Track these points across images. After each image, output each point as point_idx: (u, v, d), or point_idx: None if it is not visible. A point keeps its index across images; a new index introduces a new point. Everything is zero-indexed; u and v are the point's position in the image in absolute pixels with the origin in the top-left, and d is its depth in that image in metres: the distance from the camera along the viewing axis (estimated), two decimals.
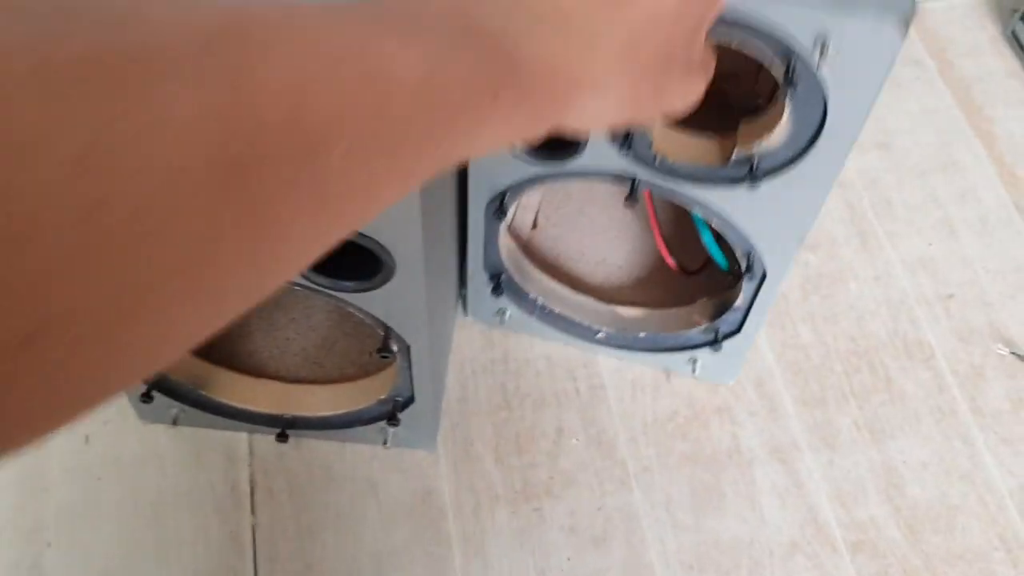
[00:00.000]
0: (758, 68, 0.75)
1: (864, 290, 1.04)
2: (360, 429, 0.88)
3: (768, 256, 0.76)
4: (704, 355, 0.91)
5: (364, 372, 0.91)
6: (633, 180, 0.72)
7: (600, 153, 0.70)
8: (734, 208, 0.72)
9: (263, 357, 0.93)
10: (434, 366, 0.78)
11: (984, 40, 1.25)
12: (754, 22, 0.56)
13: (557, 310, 0.92)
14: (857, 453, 0.93)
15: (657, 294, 0.95)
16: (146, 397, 0.83)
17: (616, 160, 0.70)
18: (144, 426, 0.91)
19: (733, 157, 0.67)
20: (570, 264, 0.97)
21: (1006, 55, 1.24)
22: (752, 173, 0.67)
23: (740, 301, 0.83)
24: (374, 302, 0.70)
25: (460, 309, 0.98)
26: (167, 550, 0.85)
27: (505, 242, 0.87)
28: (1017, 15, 1.22)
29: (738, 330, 0.87)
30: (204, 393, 0.86)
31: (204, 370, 0.87)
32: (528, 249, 0.93)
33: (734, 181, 0.70)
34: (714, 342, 0.89)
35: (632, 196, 0.72)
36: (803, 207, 0.70)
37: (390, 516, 0.88)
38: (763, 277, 0.78)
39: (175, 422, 0.88)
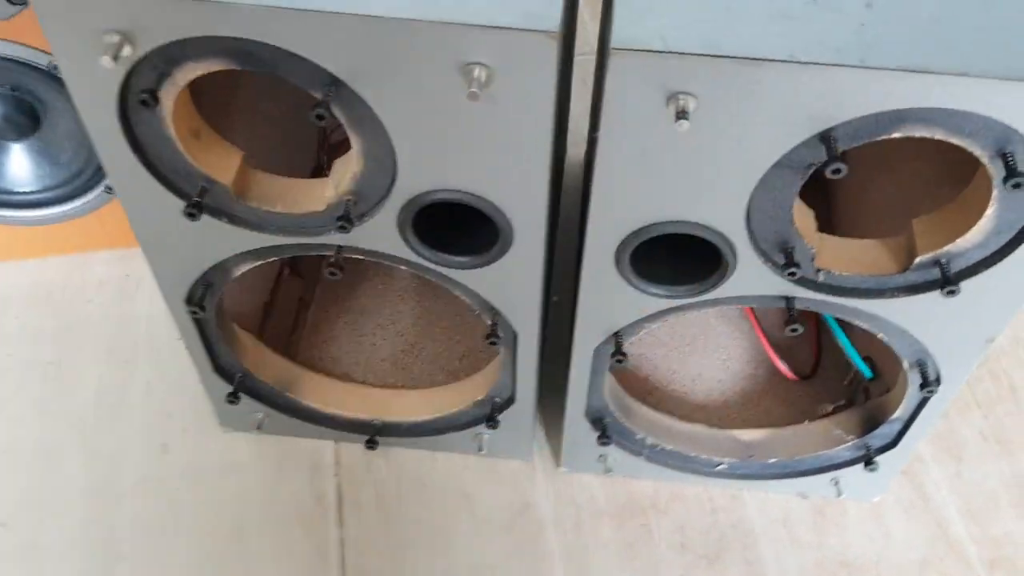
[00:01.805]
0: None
1: None
2: (453, 436, 0.83)
3: (946, 364, 0.66)
4: (850, 474, 0.80)
5: (454, 378, 0.86)
6: (789, 302, 0.63)
7: (751, 275, 0.60)
8: (907, 316, 0.62)
9: (349, 363, 0.88)
10: (538, 361, 0.73)
11: None
12: (966, 110, 0.49)
13: (669, 447, 0.79)
14: (987, 464, 0.86)
15: (772, 408, 0.85)
16: (232, 398, 0.78)
17: (769, 282, 0.60)
18: (225, 434, 0.86)
19: (916, 262, 0.58)
20: (664, 387, 0.86)
21: None
22: (946, 278, 0.58)
23: (901, 411, 0.72)
24: (485, 281, 0.65)
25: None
26: (249, 566, 0.79)
27: (609, 380, 0.74)
28: None
29: (894, 443, 0.76)
30: (290, 396, 0.82)
31: (290, 372, 0.82)
32: (619, 380, 0.79)
33: (914, 289, 0.60)
34: (867, 460, 0.76)
35: (792, 321, 0.61)
36: (999, 308, 0.61)
37: (485, 530, 0.82)
38: (936, 385, 0.68)
39: (259, 427, 0.83)
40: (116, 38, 0.51)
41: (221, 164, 0.61)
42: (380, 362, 0.88)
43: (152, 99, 0.53)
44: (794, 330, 0.61)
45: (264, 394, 0.81)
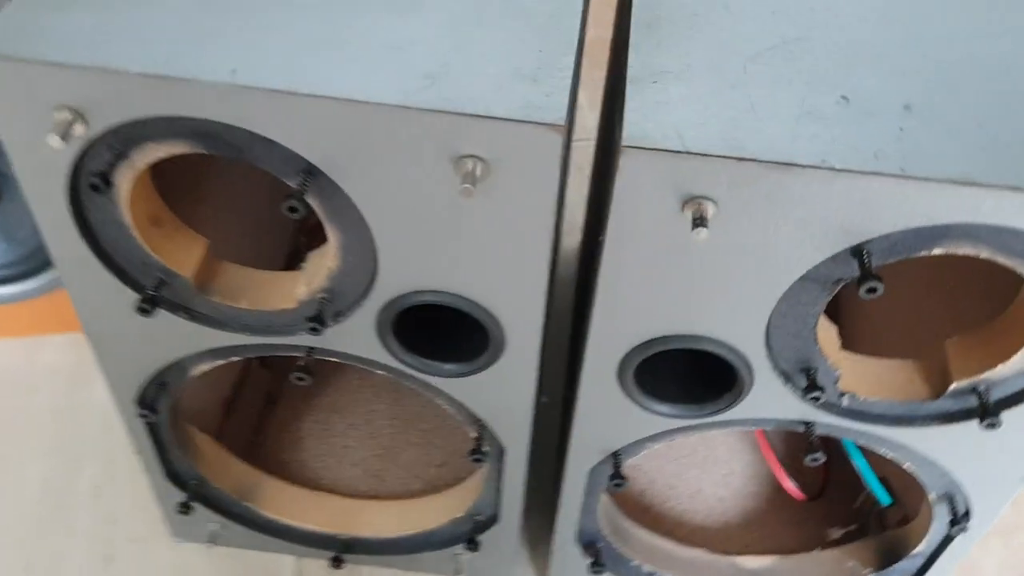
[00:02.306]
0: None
1: None
2: (428, 556, 0.75)
3: (978, 499, 0.60)
4: None
5: (432, 488, 0.79)
6: (809, 427, 0.56)
7: (768, 397, 0.54)
8: (938, 447, 0.57)
9: (316, 467, 0.81)
10: (526, 478, 0.66)
11: None
12: (1019, 227, 0.44)
13: (668, 575, 0.73)
14: None
15: (777, 530, 0.78)
16: (184, 508, 0.71)
17: (787, 405, 0.54)
18: (176, 545, 0.78)
19: (951, 388, 0.53)
20: (660, 505, 0.79)
21: None
22: (984, 408, 0.52)
23: (923, 546, 0.66)
24: (471, 390, 0.59)
25: None
26: None
27: (603, 500, 0.68)
28: None
29: None
30: (249, 506, 0.74)
31: (250, 478, 0.75)
32: (612, 496, 0.72)
33: (948, 418, 0.55)
34: None
35: (812, 450, 0.55)
36: None
37: None
38: (966, 521, 0.62)
39: (214, 540, 0.75)
40: (67, 115, 0.45)
41: (182, 254, 0.55)
42: (351, 467, 0.81)
43: (104, 184, 0.47)
44: (815, 459, 0.55)
45: (220, 503, 0.74)
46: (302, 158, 0.46)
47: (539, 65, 0.46)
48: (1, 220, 0.84)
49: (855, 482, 0.79)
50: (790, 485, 0.78)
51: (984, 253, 0.45)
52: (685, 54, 0.47)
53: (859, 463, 0.69)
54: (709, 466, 0.83)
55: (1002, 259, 0.45)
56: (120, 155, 0.47)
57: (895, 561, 0.68)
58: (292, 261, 0.88)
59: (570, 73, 0.45)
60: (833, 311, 0.51)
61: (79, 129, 0.46)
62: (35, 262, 0.86)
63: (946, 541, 0.64)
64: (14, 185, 0.81)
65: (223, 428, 0.77)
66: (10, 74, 0.44)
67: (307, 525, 0.75)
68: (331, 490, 0.78)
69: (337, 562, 0.74)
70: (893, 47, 0.49)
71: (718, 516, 0.79)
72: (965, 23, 0.51)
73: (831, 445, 0.78)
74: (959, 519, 0.61)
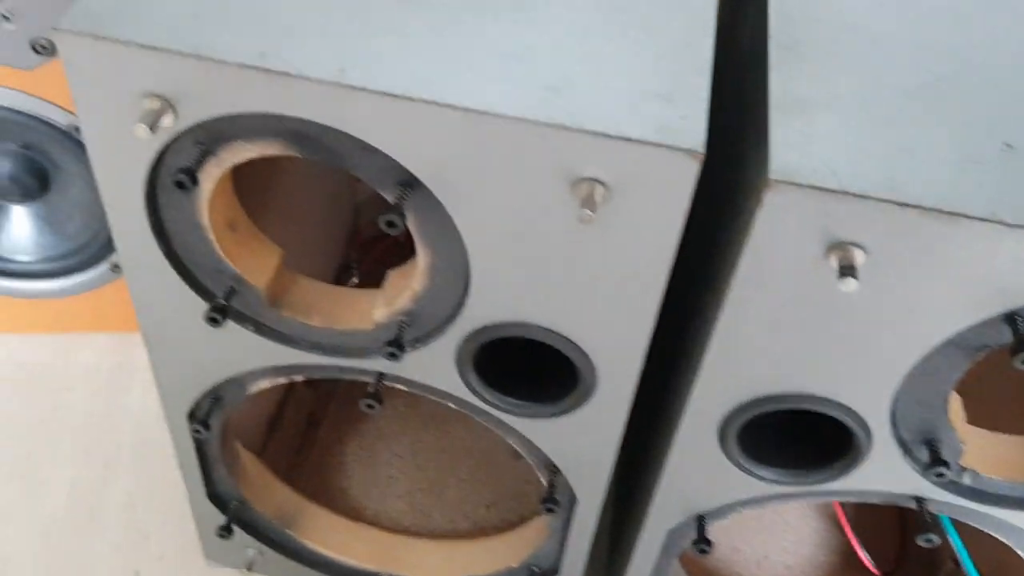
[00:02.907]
0: None
1: None
2: None
3: None
4: None
5: (479, 530, 0.74)
6: (921, 504, 0.51)
7: (882, 468, 0.49)
8: None
9: (359, 496, 0.76)
10: (594, 533, 0.61)
11: None
12: None
13: None
14: None
15: None
16: (224, 531, 0.66)
17: (901, 478, 0.50)
18: (209, 567, 0.73)
19: None
20: (724, 568, 0.75)
21: None
22: None
23: None
24: (551, 434, 0.54)
25: None
26: None
27: (675, 568, 0.62)
28: None
29: None
30: (290, 533, 0.70)
31: (292, 504, 0.71)
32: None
33: None
34: None
35: (926, 529, 0.50)
36: None
37: None
38: None
39: (250, 567, 0.71)
40: (156, 104, 0.41)
41: (257, 263, 0.51)
42: (395, 499, 0.77)
43: (190, 181, 0.43)
44: (929, 540, 0.50)
45: (260, 528, 0.69)
46: (404, 169, 0.42)
47: (673, 84, 0.41)
48: (50, 213, 0.81)
49: (933, 559, 0.74)
50: (864, 556, 0.73)
51: None
52: (831, 83, 0.43)
53: (956, 542, 0.63)
54: (777, 531, 0.77)
55: None
56: (207, 152, 0.44)
57: None
58: (340, 275, 0.84)
59: (707, 95, 0.41)
60: None
61: (168, 120, 0.42)
62: (82, 257, 0.82)
63: None
64: (64, 178, 0.78)
65: (265, 445, 0.73)
66: (99, 56, 0.41)
67: (348, 559, 0.71)
68: (374, 522, 0.74)
69: None
70: None
71: None
72: None
73: (911, 516, 0.73)
74: None
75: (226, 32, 0.41)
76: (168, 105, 0.42)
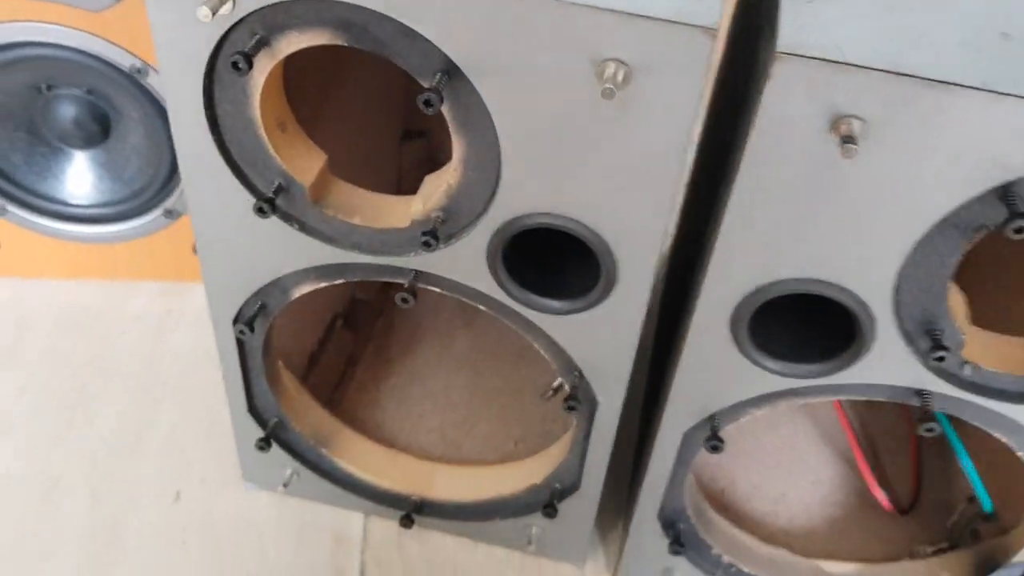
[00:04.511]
0: None
1: None
2: (500, 525, 0.73)
3: None
4: None
5: (507, 462, 0.77)
6: (924, 398, 0.54)
7: (887, 359, 0.52)
8: None
9: (392, 428, 0.80)
10: (613, 442, 0.64)
11: None
12: None
13: (746, 569, 0.70)
14: None
15: (863, 541, 0.74)
16: (263, 444, 0.70)
17: (905, 369, 0.52)
18: (247, 490, 0.77)
19: None
20: (742, 505, 0.76)
21: None
22: None
23: None
24: (573, 331, 0.57)
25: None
26: None
27: (690, 481, 0.66)
28: None
29: None
30: (325, 453, 0.73)
31: (329, 426, 0.74)
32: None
33: None
34: None
35: (927, 419, 0.53)
36: None
37: None
38: None
39: (285, 486, 0.74)
40: None
41: (303, 163, 0.55)
42: (427, 433, 0.80)
43: (246, 62, 0.47)
44: (930, 429, 0.52)
45: (297, 447, 0.73)
46: (443, 54, 0.46)
47: None
48: (108, 159, 0.86)
49: (948, 500, 0.75)
50: (880, 494, 0.75)
51: None
52: None
53: (965, 464, 0.65)
54: (796, 471, 0.79)
55: None
56: (262, 41, 0.48)
57: (992, 570, 0.64)
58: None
59: None
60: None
61: (226, 8, 0.46)
62: (137, 202, 0.87)
63: None
64: (124, 124, 0.83)
65: (306, 378, 0.76)
66: None
67: (380, 482, 0.74)
68: (405, 451, 0.77)
69: (407, 521, 0.73)
70: None
71: (803, 522, 0.76)
72: None
73: (923, 461, 0.76)
74: None
75: None
76: None
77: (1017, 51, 0.43)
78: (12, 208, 0.87)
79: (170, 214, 0.87)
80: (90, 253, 0.90)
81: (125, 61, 0.77)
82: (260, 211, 0.54)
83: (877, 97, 0.41)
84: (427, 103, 0.46)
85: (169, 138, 0.73)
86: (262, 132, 0.52)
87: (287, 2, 0.46)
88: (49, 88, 0.81)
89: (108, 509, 0.75)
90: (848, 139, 0.42)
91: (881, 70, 0.41)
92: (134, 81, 0.78)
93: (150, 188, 0.86)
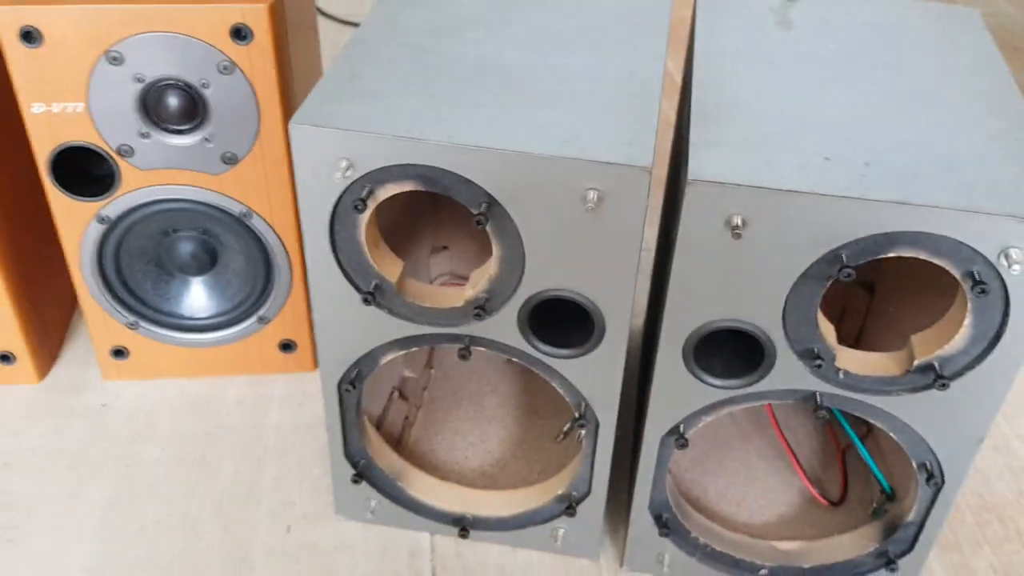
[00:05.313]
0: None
1: (986, 458, 1.13)
2: (532, 531, 0.98)
3: (948, 463, 0.81)
4: None
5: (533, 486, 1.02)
6: (815, 395, 0.79)
7: (787, 371, 0.78)
8: (912, 414, 0.78)
9: (445, 471, 1.05)
10: (612, 453, 0.90)
11: None
12: (940, 235, 0.68)
13: (719, 548, 0.93)
14: None
15: (806, 528, 1.00)
16: (357, 478, 0.95)
17: (801, 377, 0.78)
18: (339, 521, 1.01)
19: (915, 365, 0.75)
20: (712, 507, 1.01)
21: None
22: (938, 376, 0.75)
23: (913, 515, 0.86)
24: (578, 370, 0.84)
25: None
26: None
27: (670, 480, 0.89)
28: None
29: (910, 548, 0.89)
30: (401, 485, 0.98)
31: (401, 465, 0.99)
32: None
33: (916, 388, 0.77)
34: (888, 563, 0.89)
35: (819, 408, 0.79)
36: (984, 406, 0.77)
37: None
38: (941, 485, 0.83)
39: (371, 513, 0.99)
40: (345, 163, 0.74)
41: (390, 268, 0.82)
42: (471, 472, 1.05)
43: (363, 205, 0.75)
44: (822, 416, 0.79)
45: (379, 481, 0.98)
46: (486, 192, 0.74)
47: (634, 138, 0.73)
48: (215, 281, 1.13)
49: (869, 493, 1.01)
50: (815, 492, 1.00)
51: (922, 255, 0.70)
52: (724, 133, 0.75)
53: (865, 457, 0.91)
54: (752, 483, 1.05)
55: (936, 260, 0.71)
56: (371, 192, 0.76)
57: (894, 532, 0.89)
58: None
59: (652, 143, 0.73)
60: (853, 330, 0.76)
61: (350, 172, 0.74)
62: (237, 312, 1.14)
63: (929, 506, 0.86)
64: (228, 253, 1.11)
65: (377, 432, 1.02)
66: (316, 136, 0.73)
67: (441, 505, 0.99)
68: (458, 483, 1.02)
69: (464, 533, 0.97)
70: (859, 129, 0.76)
71: (758, 518, 1.01)
72: (898, 113, 0.78)
73: (848, 463, 1.01)
74: (934, 477, 0.83)
75: (383, 119, 0.74)
76: (351, 164, 0.74)
77: (834, 167, 0.71)
78: (143, 324, 1.13)
79: (263, 320, 1.14)
80: (200, 355, 1.17)
81: (235, 208, 1.05)
82: (366, 301, 0.81)
83: (750, 203, 0.70)
84: (478, 222, 0.74)
85: (264, 262, 1.03)
86: (365, 249, 0.80)
87: (387, 167, 0.74)
88: (175, 231, 1.09)
89: (238, 541, 0.99)
90: (736, 228, 0.70)
91: (751, 186, 0.69)
92: (240, 223, 1.06)
93: (247, 301, 1.13)
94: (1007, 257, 0.68)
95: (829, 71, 0.84)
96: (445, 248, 1.20)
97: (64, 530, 1.00)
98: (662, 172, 1.45)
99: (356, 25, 1.54)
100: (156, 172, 1.01)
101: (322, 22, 2.08)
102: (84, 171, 1.02)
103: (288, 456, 1.09)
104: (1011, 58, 2.13)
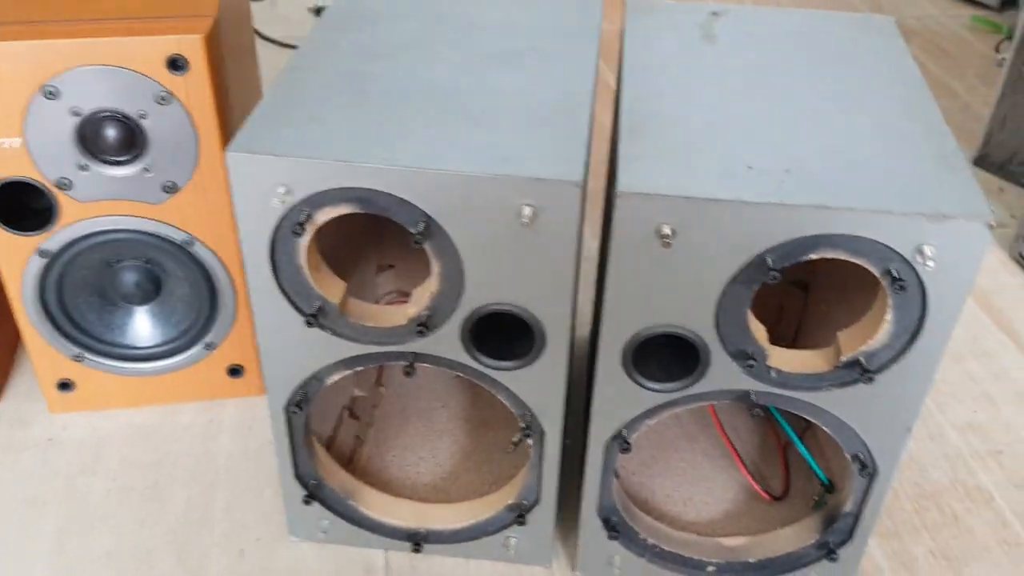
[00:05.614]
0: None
1: (922, 447, 1.17)
2: (485, 542, 0.99)
3: (879, 453, 0.84)
4: (820, 569, 0.95)
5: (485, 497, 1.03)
6: (749, 394, 0.82)
7: (722, 372, 0.80)
8: (843, 407, 0.82)
9: (398, 487, 1.06)
10: (559, 462, 0.92)
11: (995, 262, 1.48)
12: (858, 235, 0.71)
13: (668, 548, 0.95)
14: None
15: (750, 523, 1.02)
16: (307, 500, 0.96)
17: (736, 378, 0.80)
18: (292, 542, 1.02)
19: (842, 361, 0.78)
20: (660, 508, 1.03)
21: (1015, 272, 1.46)
22: (863, 369, 0.78)
23: (850, 505, 0.89)
24: (521, 381, 0.85)
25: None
26: None
27: (616, 484, 0.91)
28: (1022, 240, 1.45)
29: (850, 537, 0.92)
30: (352, 503, 0.99)
31: (352, 483, 1.00)
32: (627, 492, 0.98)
33: (844, 383, 0.80)
34: (829, 553, 0.92)
35: (753, 406, 0.82)
36: (910, 397, 0.80)
37: None
38: (874, 475, 0.86)
39: (324, 533, 1.00)
40: (282, 188, 0.75)
41: (332, 290, 0.84)
42: (423, 486, 1.06)
43: (301, 230, 0.76)
44: (757, 412, 0.81)
45: (330, 501, 0.99)
46: (423, 212, 0.76)
47: (566, 154, 0.76)
48: (160, 309, 1.14)
49: (810, 488, 1.04)
50: (758, 487, 1.03)
51: (843, 256, 0.74)
52: (652, 145, 0.78)
53: (802, 451, 0.94)
54: (698, 482, 1.07)
55: (856, 260, 0.74)
56: (309, 216, 0.77)
57: (833, 523, 0.92)
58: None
59: (583, 158, 0.76)
60: (790, 329, 0.79)
61: (288, 197, 0.76)
62: (184, 340, 1.14)
63: (864, 495, 0.89)
64: (172, 281, 1.11)
65: (328, 453, 1.03)
66: (252, 163, 0.75)
67: (394, 521, 1.00)
68: (410, 498, 1.03)
69: (417, 547, 0.99)
70: (780, 137, 0.79)
71: (704, 516, 1.04)
72: (817, 121, 0.81)
73: (790, 460, 1.04)
74: (867, 468, 0.86)
75: (320, 144, 0.75)
76: (289, 189, 0.75)
77: (756, 175, 0.74)
78: (88, 355, 1.13)
79: (209, 346, 1.14)
80: (148, 384, 1.17)
81: (177, 236, 1.05)
82: (308, 323, 0.82)
83: (677, 212, 0.72)
84: (416, 242, 0.76)
85: (207, 288, 1.03)
86: (306, 272, 0.81)
87: (324, 191, 0.76)
88: (118, 261, 1.09)
89: (192, 568, 1.00)
90: (665, 237, 0.72)
91: (677, 196, 0.72)
92: (183, 250, 1.06)
93: (193, 328, 1.13)
94: (921, 254, 0.72)
95: (752, 82, 0.88)
96: (391, 267, 1.22)
97: (15, 564, 1.00)
98: (600, 184, 1.48)
99: (295, 47, 1.56)
100: (96, 204, 1.01)
101: (261, 45, 2.08)
102: (23, 205, 1.02)
103: (239, 480, 1.10)
104: (938, 59, 2.20)
